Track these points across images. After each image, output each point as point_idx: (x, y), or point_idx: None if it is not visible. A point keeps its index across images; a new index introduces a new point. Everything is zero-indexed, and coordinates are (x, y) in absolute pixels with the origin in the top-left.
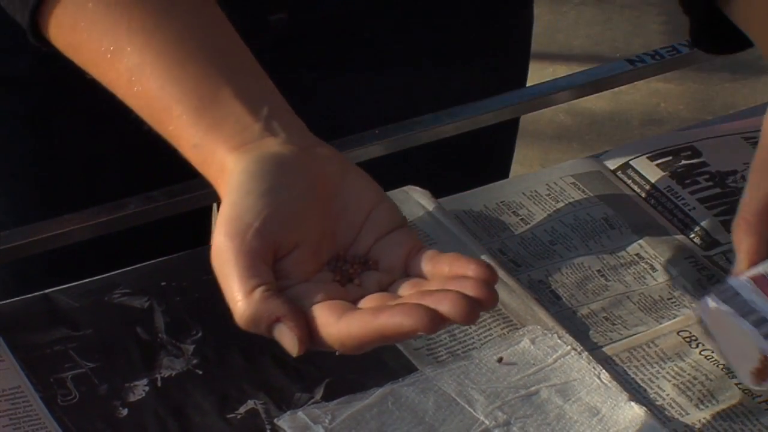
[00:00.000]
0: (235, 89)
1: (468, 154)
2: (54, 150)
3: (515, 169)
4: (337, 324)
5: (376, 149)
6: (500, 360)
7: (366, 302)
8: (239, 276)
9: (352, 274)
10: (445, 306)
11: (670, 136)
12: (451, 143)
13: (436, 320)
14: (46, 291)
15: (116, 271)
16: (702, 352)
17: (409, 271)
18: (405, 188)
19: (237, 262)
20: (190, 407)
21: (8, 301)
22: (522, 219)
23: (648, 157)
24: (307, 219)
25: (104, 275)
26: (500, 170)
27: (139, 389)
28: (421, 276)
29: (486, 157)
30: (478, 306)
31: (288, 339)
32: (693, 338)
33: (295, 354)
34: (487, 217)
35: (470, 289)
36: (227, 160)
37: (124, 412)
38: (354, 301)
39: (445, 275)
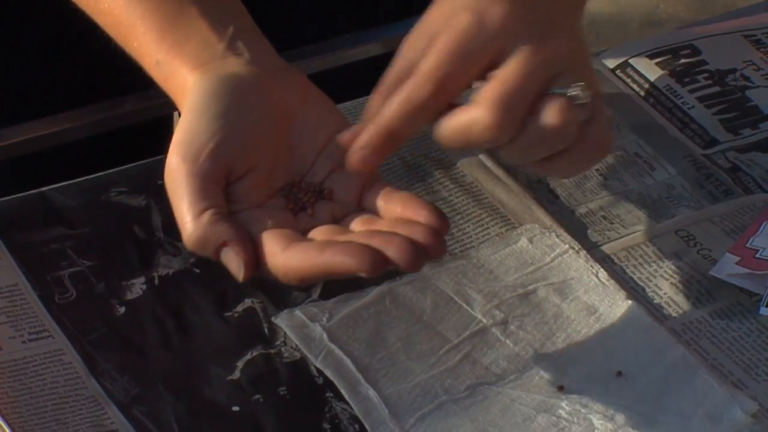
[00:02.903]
0: (201, 8)
1: None
2: (14, 49)
3: None
4: (281, 254)
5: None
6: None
7: (315, 233)
8: (189, 198)
9: (305, 203)
10: (391, 251)
11: (670, 35)
12: None
13: (380, 263)
14: (42, 189)
15: (112, 170)
16: (700, 252)
17: (362, 205)
18: None
19: (188, 185)
20: (187, 306)
21: (4, 199)
22: None
23: (647, 56)
24: (262, 144)
25: (100, 174)
26: None
27: (137, 287)
28: (373, 211)
29: None
30: (425, 254)
31: (234, 264)
32: (691, 237)
33: (240, 279)
34: None
35: (420, 236)
36: (188, 78)
37: (122, 310)
38: (305, 231)
39: (397, 215)
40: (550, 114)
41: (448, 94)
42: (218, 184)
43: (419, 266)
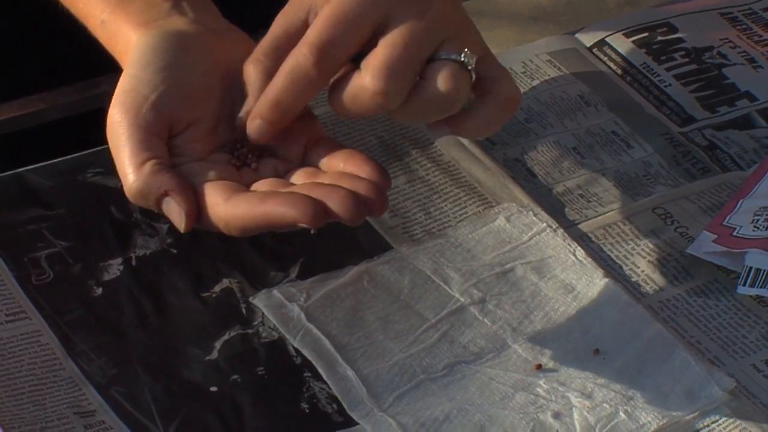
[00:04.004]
0: None
1: None
2: None
3: (491, 49)
4: (224, 204)
5: None
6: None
7: (258, 185)
8: (131, 149)
9: (249, 159)
10: (332, 201)
11: (646, 13)
12: None
13: (321, 214)
14: (18, 170)
15: (89, 151)
16: (677, 230)
17: (306, 161)
18: None
19: (130, 136)
20: (164, 286)
21: None
22: None
23: (624, 34)
24: (205, 98)
25: (77, 154)
26: None
27: (114, 268)
28: (317, 167)
29: None
30: (366, 208)
31: (176, 214)
32: (668, 215)
33: (182, 229)
34: None
35: (362, 190)
36: (132, 36)
37: (99, 291)
38: (248, 185)
39: (339, 170)
40: (439, 79)
41: (332, 63)
42: (160, 136)
43: (360, 219)
